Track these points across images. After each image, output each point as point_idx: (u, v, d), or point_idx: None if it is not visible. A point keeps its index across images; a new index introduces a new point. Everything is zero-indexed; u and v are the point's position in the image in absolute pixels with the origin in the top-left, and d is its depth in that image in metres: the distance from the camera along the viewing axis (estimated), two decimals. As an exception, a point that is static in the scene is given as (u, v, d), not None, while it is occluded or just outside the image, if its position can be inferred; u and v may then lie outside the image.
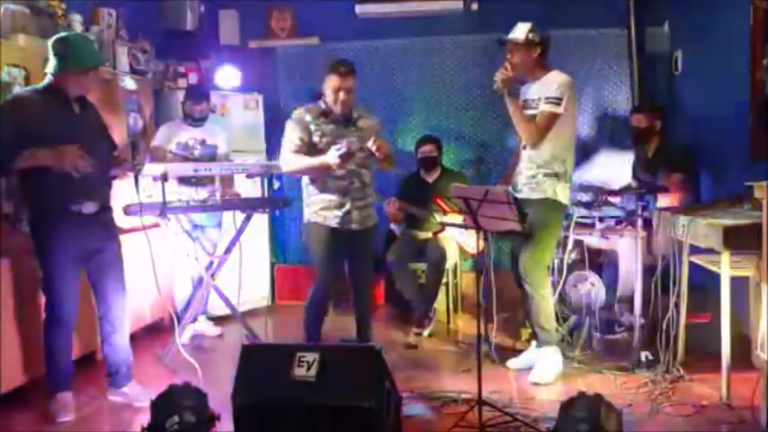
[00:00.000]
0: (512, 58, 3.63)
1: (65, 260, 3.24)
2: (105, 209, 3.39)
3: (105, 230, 3.39)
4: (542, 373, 3.64)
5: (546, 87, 3.61)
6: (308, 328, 3.75)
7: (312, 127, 3.63)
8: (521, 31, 3.64)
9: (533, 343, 3.88)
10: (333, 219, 3.65)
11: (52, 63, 3.17)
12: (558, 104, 3.55)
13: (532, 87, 3.70)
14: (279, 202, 4.70)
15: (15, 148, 3.05)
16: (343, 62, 3.61)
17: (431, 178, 5.09)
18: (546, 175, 3.63)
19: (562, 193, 3.65)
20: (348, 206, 3.65)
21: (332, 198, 3.65)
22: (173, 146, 4.55)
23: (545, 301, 3.71)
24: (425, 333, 4.70)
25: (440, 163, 5.11)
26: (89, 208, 3.26)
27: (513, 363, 3.89)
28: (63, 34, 3.25)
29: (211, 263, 4.43)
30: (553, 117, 3.57)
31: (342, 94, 3.57)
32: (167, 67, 5.42)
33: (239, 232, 4.27)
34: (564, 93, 3.57)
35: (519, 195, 3.65)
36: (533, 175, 3.66)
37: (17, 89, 3.52)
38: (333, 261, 3.70)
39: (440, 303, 4.94)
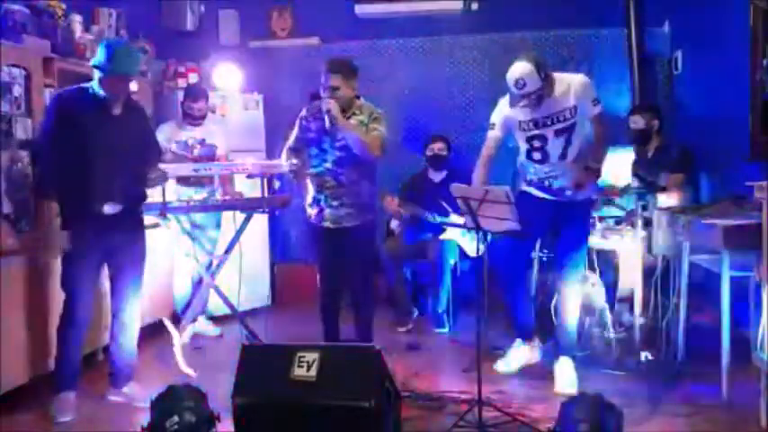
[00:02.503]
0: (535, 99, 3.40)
1: (83, 262, 3.28)
2: (132, 209, 3.43)
3: (128, 231, 3.42)
4: (571, 383, 3.52)
5: (575, 92, 3.42)
6: (323, 323, 3.87)
7: (304, 123, 3.75)
8: (530, 76, 3.30)
9: (517, 341, 3.78)
10: (312, 216, 3.78)
11: (93, 65, 3.28)
12: (600, 102, 3.48)
13: (547, 101, 3.44)
14: (279, 201, 4.69)
15: (55, 145, 3.20)
16: (330, 60, 3.67)
17: (437, 178, 5.07)
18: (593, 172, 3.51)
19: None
20: (322, 204, 3.71)
21: (311, 196, 3.77)
22: (172, 145, 4.56)
23: (573, 305, 3.67)
24: (405, 330, 4.77)
25: (448, 163, 5.10)
26: (111, 209, 3.29)
27: (500, 366, 3.77)
28: (110, 40, 3.47)
29: (211, 263, 4.43)
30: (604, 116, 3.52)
31: (323, 92, 3.61)
32: (167, 67, 5.42)
33: (239, 232, 4.27)
34: (594, 90, 3.49)
35: (563, 199, 3.55)
36: (585, 176, 3.47)
37: (17, 89, 3.53)
38: (322, 257, 3.83)
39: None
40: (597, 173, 3.47)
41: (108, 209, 3.28)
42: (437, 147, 5.04)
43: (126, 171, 3.33)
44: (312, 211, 3.77)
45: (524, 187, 3.69)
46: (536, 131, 3.50)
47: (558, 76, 3.46)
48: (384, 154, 3.68)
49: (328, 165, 3.67)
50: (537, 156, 3.55)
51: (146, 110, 3.74)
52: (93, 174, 3.23)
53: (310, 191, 3.78)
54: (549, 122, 3.47)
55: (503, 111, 3.58)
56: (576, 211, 3.58)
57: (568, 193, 3.54)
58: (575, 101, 3.43)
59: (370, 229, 3.83)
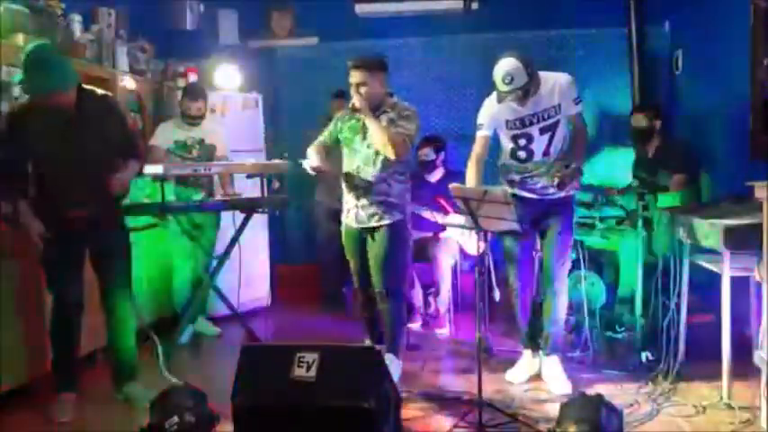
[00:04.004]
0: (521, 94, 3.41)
1: (59, 263, 3.25)
2: (106, 206, 3.34)
3: (103, 231, 3.35)
4: (564, 383, 3.51)
5: (559, 91, 3.44)
6: (364, 321, 3.85)
7: (339, 123, 3.71)
8: (516, 72, 3.32)
9: (525, 352, 3.75)
10: (345, 217, 3.73)
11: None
12: (581, 101, 3.51)
13: (533, 99, 3.46)
14: (278, 202, 4.69)
15: (22, 164, 3.16)
16: (356, 57, 3.63)
17: (433, 178, 5.07)
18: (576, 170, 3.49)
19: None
20: (352, 204, 3.66)
21: (343, 197, 3.74)
22: (171, 145, 4.56)
23: (565, 302, 3.67)
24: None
25: (440, 164, 5.07)
26: (75, 213, 3.23)
27: (513, 376, 3.71)
28: (29, 50, 3.06)
29: (211, 263, 4.43)
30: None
31: (352, 90, 3.57)
32: (167, 66, 5.42)
33: (239, 232, 4.27)
34: (576, 89, 3.51)
35: (548, 197, 3.55)
36: (569, 174, 3.44)
37: (17, 89, 3.53)
38: (351, 258, 3.77)
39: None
40: (579, 170, 3.47)
41: (72, 214, 3.21)
42: (423, 152, 4.97)
43: (89, 174, 3.18)
44: (343, 211, 3.74)
45: (506, 188, 3.66)
46: (522, 130, 3.52)
47: (543, 74, 3.47)
48: (407, 153, 3.62)
49: (358, 163, 3.62)
50: (522, 154, 3.56)
51: (146, 108, 3.70)
52: (52, 181, 3.17)
53: (343, 193, 3.73)
54: (534, 120, 3.49)
55: (489, 111, 3.59)
56: (559, 209, 3.57)
57: (551, 191, 3.54)
58: (559, 99, 3.46)
59: (399, 230, 3.65)
